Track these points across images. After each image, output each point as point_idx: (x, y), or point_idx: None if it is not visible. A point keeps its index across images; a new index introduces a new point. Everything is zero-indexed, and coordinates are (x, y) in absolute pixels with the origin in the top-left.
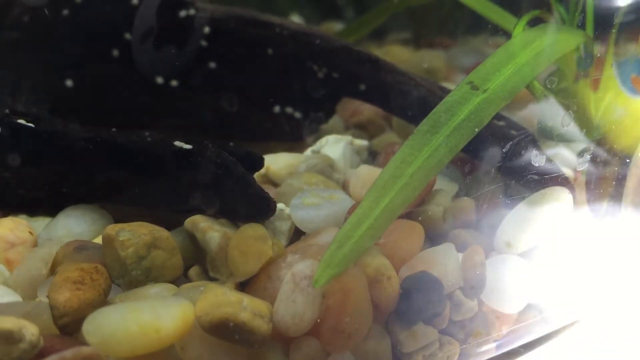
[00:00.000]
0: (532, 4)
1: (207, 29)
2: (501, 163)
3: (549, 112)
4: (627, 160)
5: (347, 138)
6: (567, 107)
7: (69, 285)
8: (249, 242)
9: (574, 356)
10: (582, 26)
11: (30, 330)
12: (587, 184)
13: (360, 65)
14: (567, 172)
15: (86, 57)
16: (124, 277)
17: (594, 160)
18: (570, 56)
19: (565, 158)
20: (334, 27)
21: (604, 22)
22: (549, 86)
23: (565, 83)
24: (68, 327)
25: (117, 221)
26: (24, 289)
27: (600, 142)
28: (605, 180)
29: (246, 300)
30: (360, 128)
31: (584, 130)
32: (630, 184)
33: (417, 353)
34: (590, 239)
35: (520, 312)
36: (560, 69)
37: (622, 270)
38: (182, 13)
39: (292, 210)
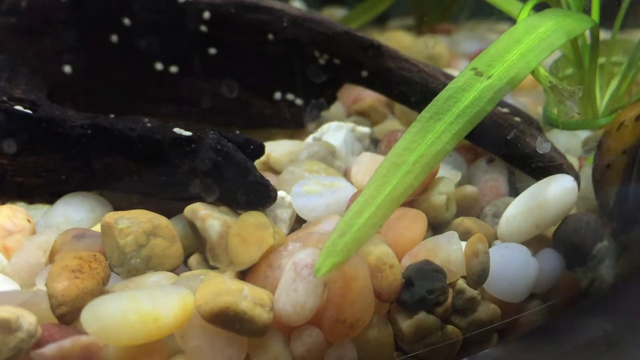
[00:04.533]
0: None
1: (207, 15)
2: (505, 150)
3: (554, 99)
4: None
5: (349, 125)
6: (572, 94)
7: (67, 273)
8: (250, 230)
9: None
10: (588, 11)
11: (28, 320)
12: (594, 171)
13: (363, 51)
14: (572, 159)
15: (84, 42)
16: (123, 265)
17: (600, 147)
18: (576, 42)
19: (570, 145)
20: (336, 13)
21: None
22: (554, 72)
23: (571, 69)
24: (66, 316)
25: (116, 209)
26: (22, 277)
27: (606, 130)
28: (611, 168)
29: (247, 289)
30: (362, 115)
31: (590, 117)
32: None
33: (419, 342)
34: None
35: (523, 301)
36: (565, 55)
37: None
38: None
39: (293, 198)
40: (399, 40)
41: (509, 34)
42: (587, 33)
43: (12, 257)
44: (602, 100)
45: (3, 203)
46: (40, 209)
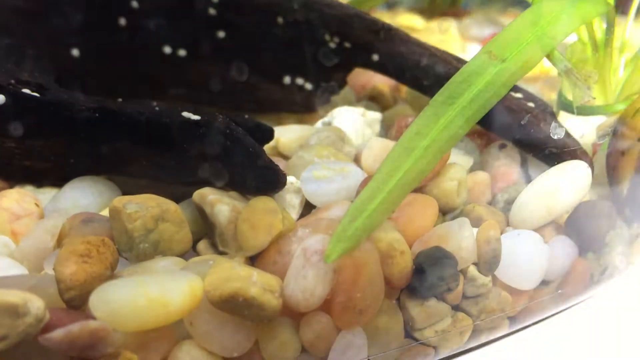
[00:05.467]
0: None
1: None
2: (518, 136)
3: (569, 83)
4: None
5: (359, 110)
6: (587, 78)
7: (75, 258)
8: (259, 216)
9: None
10: None
11: (36, 304)
12: (608, 158)
13: (374, 35)
14: (586, 145)
15: (92, 26)
16: (131, 250)
17: (614, 134)
18: (591, 26)
19: (584, 131)
20: None
21: None
22: (569, 56)
23: (586, 53)
24: (74, 300)
25: (124, 193)
26: (30, 261)
27: (621, 117)
28: (626, 156)
29: (256, 274)
30: (372, 100)
31: (604, 102)
32: None
33: (429, 329)
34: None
35: (534, 288)
36: (580, 39)
37: None
38: None
39: (302, 183)
40: (409, 24)
41: (524, 17)
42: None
43: (20, 241)
44: (616, 86)
45: (11, 187)
46: (48, 193)
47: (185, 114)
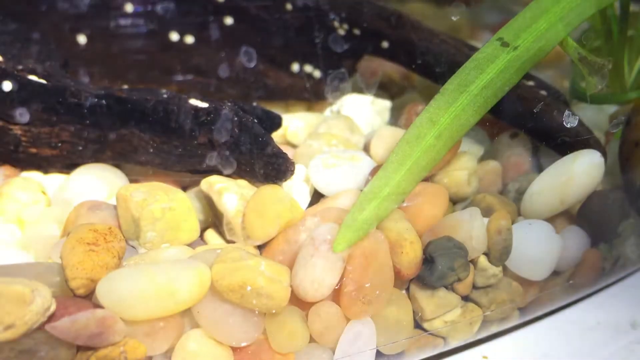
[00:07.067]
0: None
1: None
2: (530, 125)
3: (582, 71)
4: None
5: (369, 98)
6: (601, 66)
7: (82, 246)
8: (267, 204)
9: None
10: None
11: (42, 293)
12: (621, 148)
13: (384, 22)
14: (599, 134)
15: (99, 12)
16: (138, 238)
17: (628, 124)
18: (605, 13)
19: (597, 120)
20: None
21: None
22: (583, 44)
23: (599, 41)
24: (81, 289)
25: (131, 181)
26: (36, 249)
27: (634, 106)
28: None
29: (264, 264)
30: (382, 88)
31: (618, 91)
32: None
33: (438, 319)
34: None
35: (545, 279)
36: (594, 26)
37: None
38: None
39: (311, 172)
40: (418, 11)
41: (537, 3)
42: (617, 4)
43: (26, 229)
44: (630, 74)
45: (18, 174)
46: (55, 180)
47: (192, 101)
